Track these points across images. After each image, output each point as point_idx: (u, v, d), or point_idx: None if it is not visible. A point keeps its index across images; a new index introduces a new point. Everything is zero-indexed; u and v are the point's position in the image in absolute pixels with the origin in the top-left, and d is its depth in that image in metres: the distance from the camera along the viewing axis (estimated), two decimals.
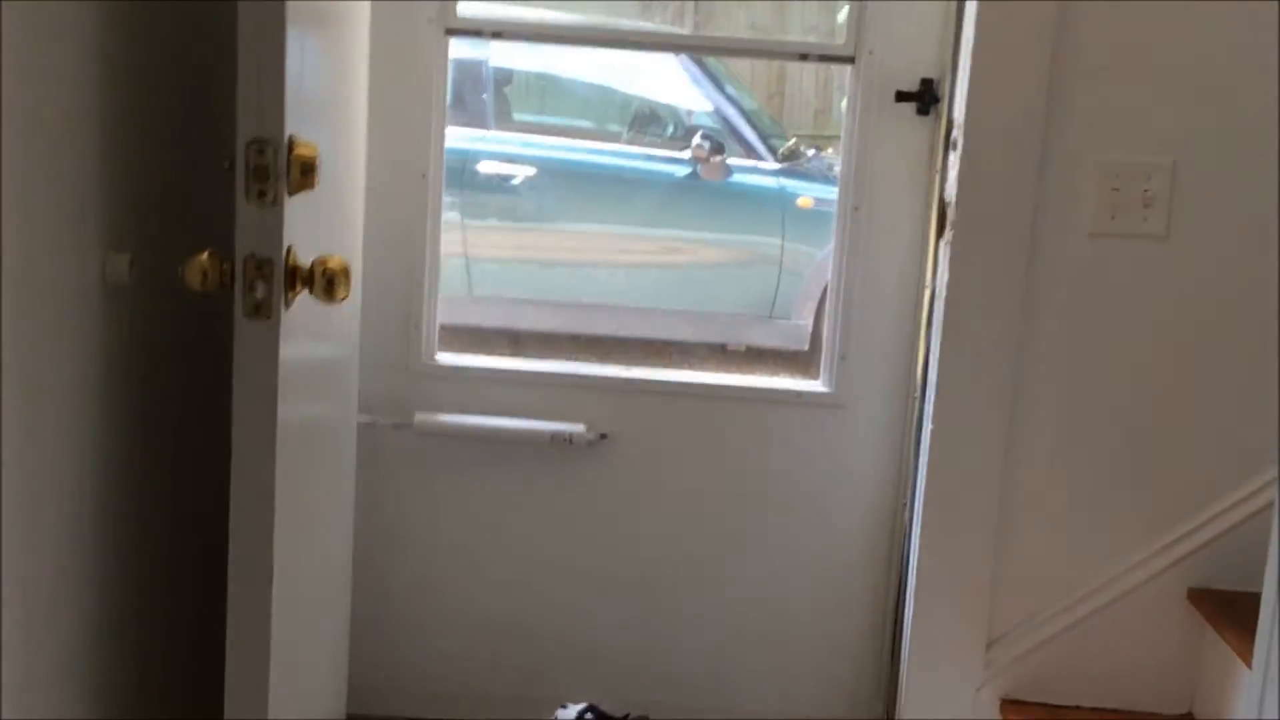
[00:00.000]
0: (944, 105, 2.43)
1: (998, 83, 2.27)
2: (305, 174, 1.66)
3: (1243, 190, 2.28)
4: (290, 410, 1.73)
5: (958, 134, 2.32)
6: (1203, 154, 2.27)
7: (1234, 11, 2.22)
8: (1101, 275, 2.32)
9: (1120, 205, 2.29)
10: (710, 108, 5.90)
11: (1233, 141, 2.27)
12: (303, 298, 1.71)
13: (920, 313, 2.51)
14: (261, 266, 1.63)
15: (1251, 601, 2.31)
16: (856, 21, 2.50)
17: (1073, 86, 2.26)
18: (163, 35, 1.90)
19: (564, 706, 2.34)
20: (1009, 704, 2.41)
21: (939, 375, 2.37)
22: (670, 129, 5.76)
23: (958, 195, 2.31)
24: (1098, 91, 2.26)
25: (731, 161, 5.65)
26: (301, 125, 1.68)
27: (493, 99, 5.89)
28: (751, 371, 4.83)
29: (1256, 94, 2.24)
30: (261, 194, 1.62)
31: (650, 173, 5.71)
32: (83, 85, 1.64)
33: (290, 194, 1.64)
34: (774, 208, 5.69)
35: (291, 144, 1.64)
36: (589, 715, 2.31)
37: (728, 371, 4.72)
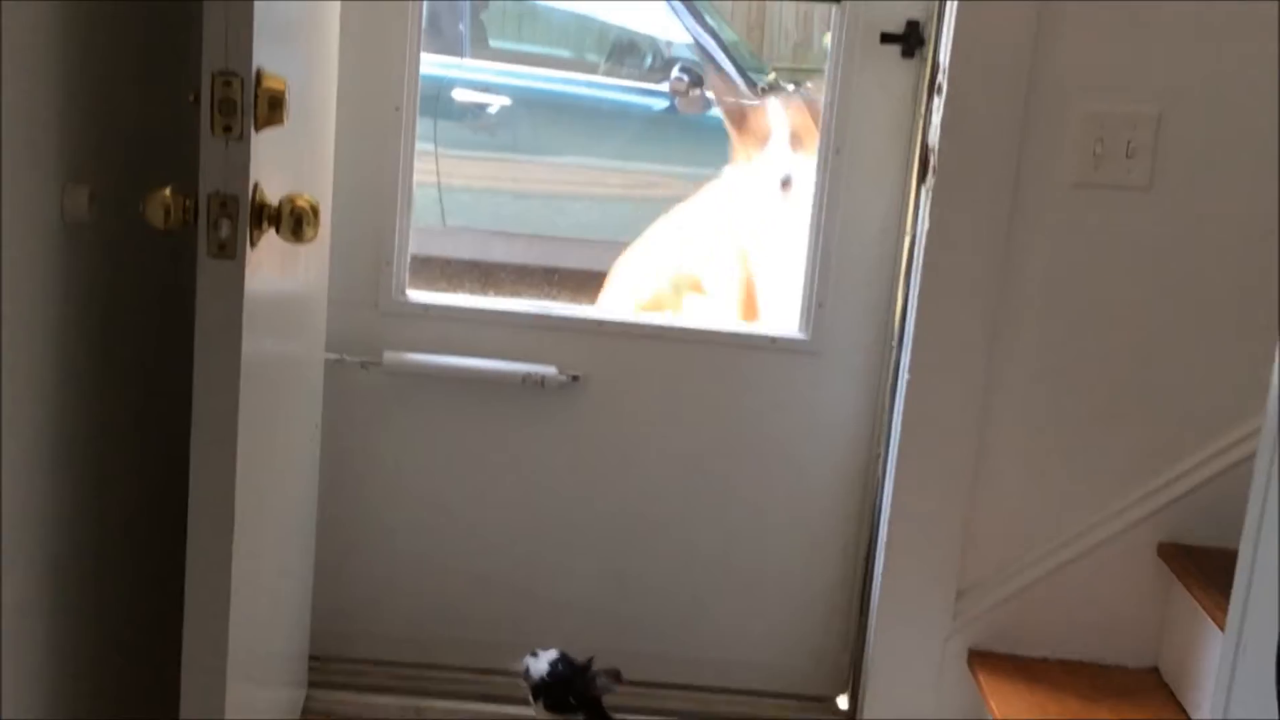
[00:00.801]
0: (929, 48, 2.38)
1: (984, 28, 2.24)
2: (273, 108, 1.60)
3: (1226, 143, 2.26)
4: (255, 348, 1.70)
5: (942, 79, 2.29)
6: (1187, 106, 2.25)
7: None
8: (1083, 225, 2.30)
9: (1104, 155, 2.27)
10: (689, 39, 5.82)
11: (1217, 94, 2.25)
12: (269, 235, 1.66)
13: (900, 260, 2.48)
14: (226, 204, 1.58)
15: (1220, 557, 2.31)
16: None
17: (1059, 34, 2.23)
18: None
19: (534, 654, 2.32)
20: (977, 654, 2.42)
21: (916, 323, 2.35)
22: (649, 60, 5.68)
23: (940, 141, 2.28)
24: (1084, 40, 2.23)
25: (710, 95, 5.57)
26: (270, 55, 1.62)
27: (469, 25, 5.80)
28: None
29: (1242, 47, 2.22)
30: (227, 128, 1.57)
31: (628, 105, 5.63)
32: (41, 9, 1.58)
33: (257, 129, 1.59)
34: None
35: (259, 76, 1.58)
36: (560, 667, 2.29)
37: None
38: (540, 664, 2.30)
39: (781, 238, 2.98)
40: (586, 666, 2.29)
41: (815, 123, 2.80)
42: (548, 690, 2.28)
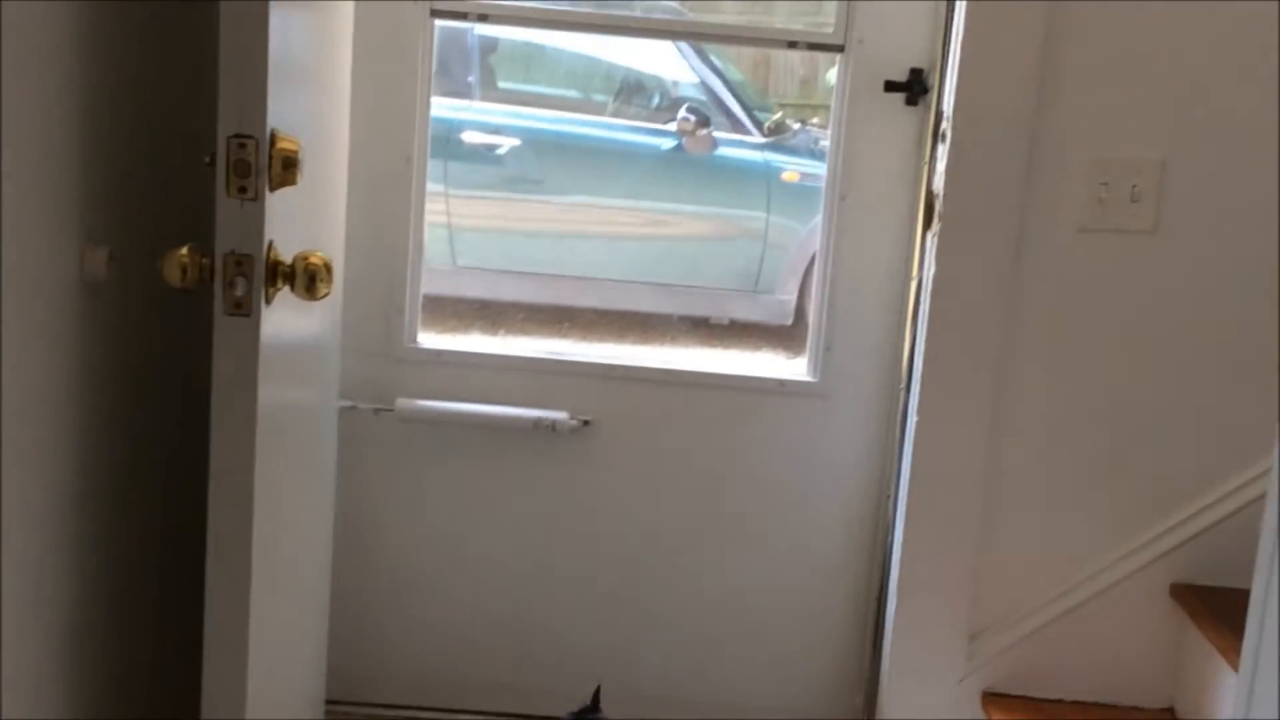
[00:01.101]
0: (933, 96, 2.41)
1: (987, 75, 2.25)
2: (287, 169, 1.63)
3: (1230, 186, 2.27)
4: (270, 398, 1.72)
5: (946, 126, 2.31)
6: (1191, 150, 2.27)
7: (1224, 9, 2.21)
8: (1089, 269, 2.32)
9: (1108, 200, 2.28)
10: (696, 79, 5.86)
11: (1221, 138, 2.26)
12: (284, 291, 1.69)
13: (907, 304, 2.50)
14: (241, 263, 1.61)
15: (1233, 597, 2.32)
16: (846, 10, 2.47)
17: (1062, 81, 2.25)
18: (145, 25, 1.87)
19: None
20: (991, 697, 2.42)
21: (924, 367, 2.36)
22: (656, 100, 5.72)
23: (945, 188, 2.30)
24: (1087, 86, 2.25)
25: (717, 135, 5.61)
26: (283, 113, 1.65)
27: (478, 67, 5.85)
28: (735, 346, 4.80)
29: (1244, 91, 2.24)
30: (242, 189, 1.59)
31: (636, 145, 5.66)
32: (61, 73, 1.61)
33: (271, 189, 1.62)
34: (759, 181, 5.66)
35: (274, 138, 1.61)
36: None
37: (711, 346, 4.69)
38: None
39: None
40: None
41: None
42: None
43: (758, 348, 5.61)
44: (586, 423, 2.60)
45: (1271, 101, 2.21)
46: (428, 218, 2.61)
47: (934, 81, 2.41)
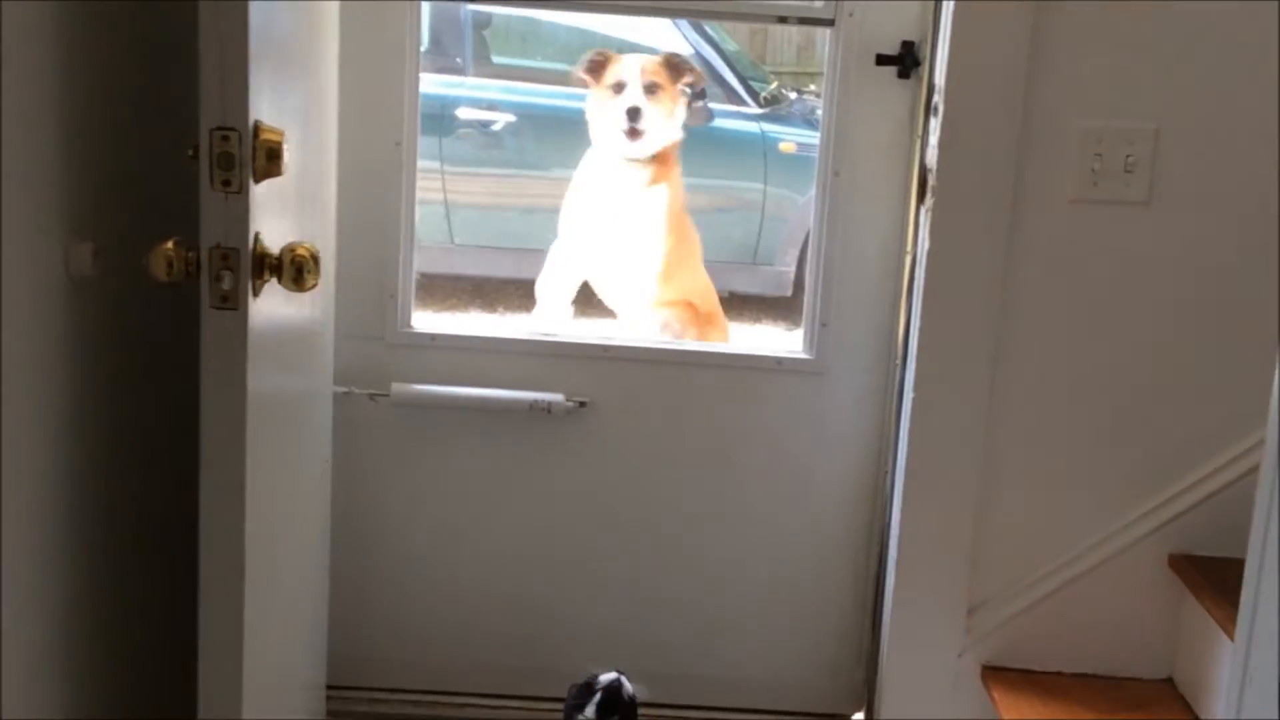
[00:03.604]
0: (925, 69, 2.39)
1: (979, 47, 2.24)
2: (271, 160, 1.61)
3: (1225, 156, 2.26)
4: (262, 387, 1.71)
5: (938, 99, 2.29)
6: (1185, 120, 2.25)
7: None
8: (1083, 241, 2.31)
9: (1102, 171, 2.27)
10: (691, 51, 5.83)
11: (1216, 107, 2.24)
12: (272, 281, 1.68)
13: (902, 279, 2.49)
14: (227, 256, 1.60)
15: (1231, 567, 2.31)
16: None
17: (1055, 51, 2.23)
18: (126, 16, 1.85)
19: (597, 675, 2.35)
20: (990, 670, 2.42)
21: (920, 342, 2.36)
22: None
23: (938, 161, 2.29)
24: (1080, 57, 2.24)
25: (713, 106, 5.58)
26: (269, 102, 1.64)
27: (471, 43, 5.81)
28: (735, 319, 4.78)
29: (1239, 59, 2.22)
30: (226, 182, 1.58)
31: None
32: (42, 67, 1.60)
33: (256, 181, 1.61)
34: (756, 153, 5.64)
35: (257, 129, 1.60)
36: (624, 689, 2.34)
37: None
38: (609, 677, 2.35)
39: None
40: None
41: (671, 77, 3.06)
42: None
43: (757, 320, 5.58)
44: (583, 404, 2.59)
45: (1269, 69, 2.19)
46: (424, 196, 2.59)
47: (925, 54, 2.39)
